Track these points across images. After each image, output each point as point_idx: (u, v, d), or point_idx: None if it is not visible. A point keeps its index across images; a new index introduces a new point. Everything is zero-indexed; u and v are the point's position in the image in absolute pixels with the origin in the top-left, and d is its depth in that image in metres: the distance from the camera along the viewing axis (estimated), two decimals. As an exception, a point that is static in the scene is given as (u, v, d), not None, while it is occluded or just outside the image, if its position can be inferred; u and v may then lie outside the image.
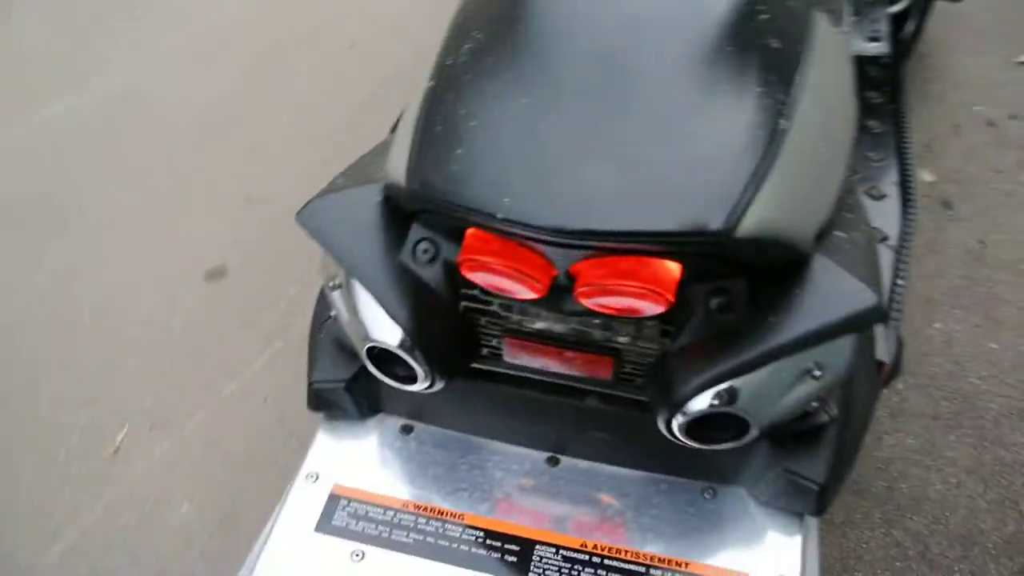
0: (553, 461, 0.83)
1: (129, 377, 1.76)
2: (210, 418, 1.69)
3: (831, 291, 0.65)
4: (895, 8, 1.75)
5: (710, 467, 0.80)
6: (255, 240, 1.98)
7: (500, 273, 0.65)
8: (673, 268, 0.63)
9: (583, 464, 0.82)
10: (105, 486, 1.59)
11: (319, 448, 0.86)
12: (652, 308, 0.64)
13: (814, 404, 0.74)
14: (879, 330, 0.94)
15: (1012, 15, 2.49)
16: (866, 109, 1.49)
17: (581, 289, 0.64)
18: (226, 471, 1.60)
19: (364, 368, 0.79)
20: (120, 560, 1.48)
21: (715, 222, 0.60)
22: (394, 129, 0.89)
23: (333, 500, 0.81)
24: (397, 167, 0.70)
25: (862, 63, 1.54)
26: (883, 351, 0.93)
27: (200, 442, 1.66)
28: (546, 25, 0.72)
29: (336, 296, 0.78)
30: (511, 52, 0.73)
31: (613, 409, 0.79)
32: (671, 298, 0.63)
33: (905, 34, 1.76)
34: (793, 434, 0.76)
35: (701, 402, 0.67)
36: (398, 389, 0.77)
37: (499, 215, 0.62)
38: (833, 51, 0.81)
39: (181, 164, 2.19)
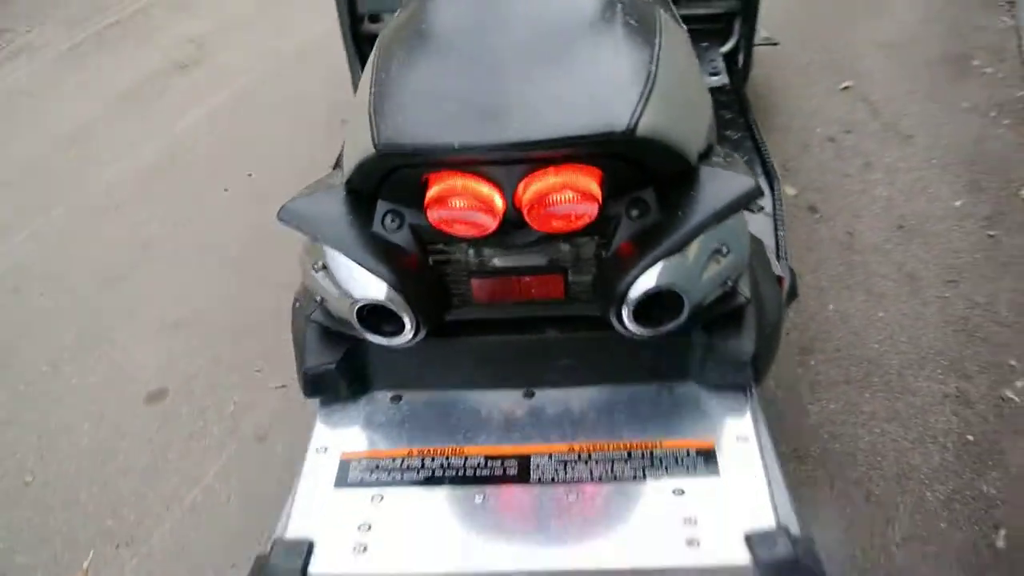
0: (529, 394, 0.93)
1: (84, 506, 1.74)
2: (177, 527, 1.69)
3: (719, 184, 0.81)
4: (725, 48, 2.06)
5: (661, 369, 0.92)
6: (189, 360, 2.03)
7: (462, 203, 0.78)
8: (595, 173, 0.78)
9: (555, 392, 0.93)
10: (77, 617, 1.55)
11: (321, 428, 0.93)
12: (587, 209, 0.78)
13: (729, 282, 0.88)
14: (774, 260, 1.11)
15: (826, 54, 2.89)
16: (722, 123, 1.74)
17: (529, 209, 0.77)
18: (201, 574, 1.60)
19: (351, 348, 0.89)
20: None
21: (619, 124, 0.75)
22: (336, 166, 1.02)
23: (344, 463, 0.88)
24: (360, 150, 0.82)
25: (711, 92, 1.80)
26: (779, 271, 1.09)
27: (169, 552, 1.65)
28: (461, 12, 0.90)
29: (320, 277, 0.88)
30: (434, 38, 0.89)
31: (570, 335, 0.90)
32: (599, 198, 0.77)
33: (739, 67, 2.06)
34: (720, 325, 0.89)
35: (640, 287, 0.80)
36: (383, 362, 0.86)
37: (456, 144, 0.75)
38: (678, 34, 1.01)
39: (104, 303, 2.23)
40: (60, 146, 2.91)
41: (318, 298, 0.92)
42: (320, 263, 0.88)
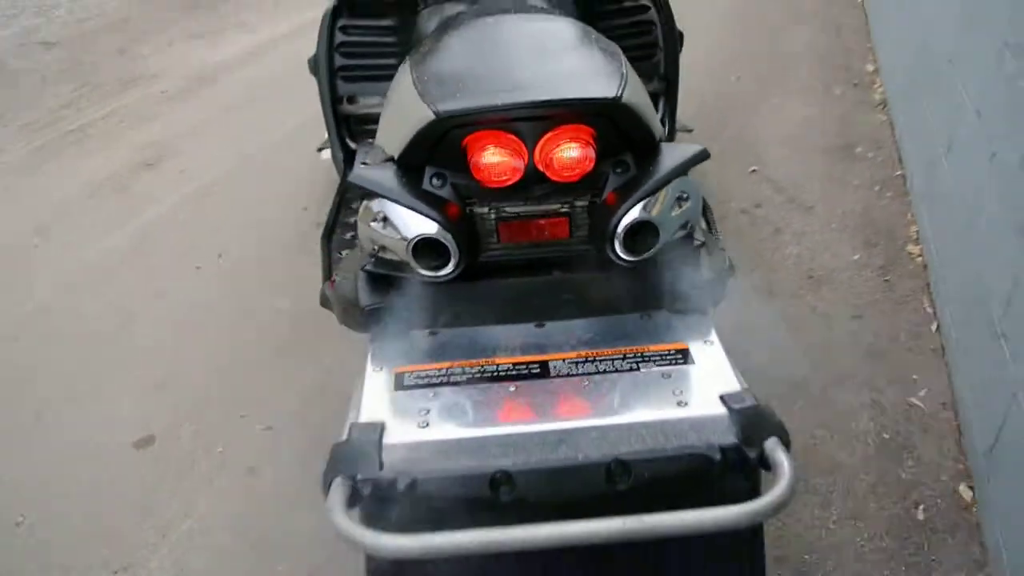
0: (540, 325, 1.15)
1: (79, 539, 1.80)
2: (173, 552, 1.77)
3: (678, 150, 1.09)
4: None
5: (642, 300, 1.15)
6: (174, 412, 2.14)
7: (497, 155, 1.03)
8: (590, 131, 1.04)
9: (561, 322, 1.15)
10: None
11: (375, 352, 1.11)
12: (587, 153, 1.04)
13: (689, 225, 1.13)
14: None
15: (734, 143, 3.32)
16: None
17: (544, 160, 1.03)
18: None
19: (397, 292, 1.10)
20: None
21: (610, 93, 1.03)
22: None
23: (399, 375, 1.06)
24: (413, 125, 1.06)
25: None
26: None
27: (168, 574, 1.72)
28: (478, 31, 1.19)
29: (378, 227, 1.10)
30: (459, 48, 1.17)
31: (572, 276, 1.14)
32: (594, 148, 1.04)
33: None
34: (680, 264, 1.14)
35: (627, 220, 1.05)
36: (422, 304, 1.08)
37: (499, 103, 1.01)
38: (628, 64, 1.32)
39: (88, 366, 2.32)
40: (27, 234, 3.03)
41: (375, 247, 1.13)
42: (380, 215, 1.10)
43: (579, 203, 1.12)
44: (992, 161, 1.97)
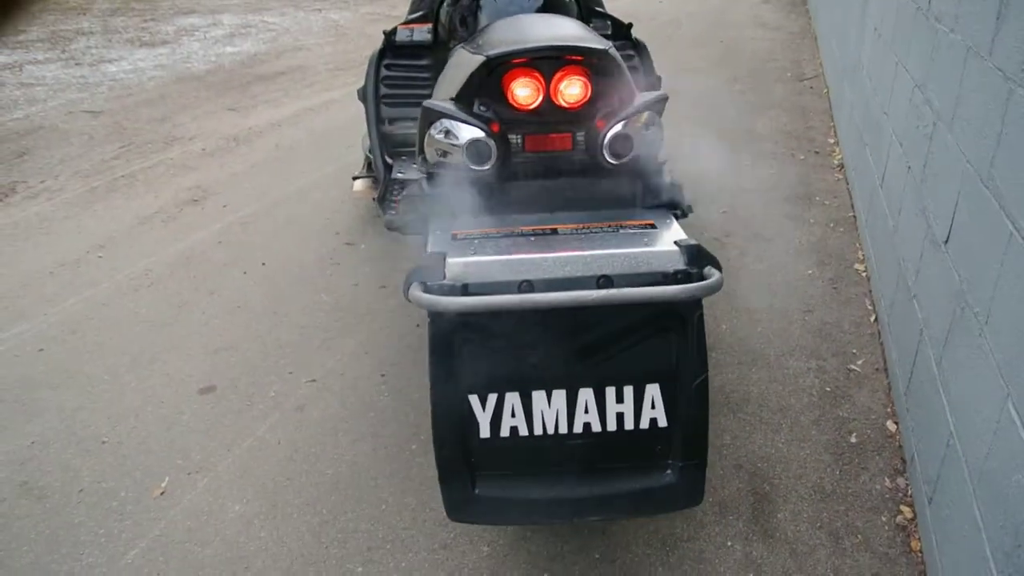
0: (551, 212, 1.59)
1: (156, 453, 2.16)
2: (238, 460, 2.13)
3: (648, 95, 1.57)
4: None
5: (627, 201, 1.60)
6: (231, 370, 2.52)
7: (525, 81, 1.49)
8: (587, 72, 1.52)
9: (565, 213, 1.58)
10: (161, 514, 1.94)
11: (434, 224, 1.55)
12: (585, 87, 1.51)
13: (655, 145, 1.59)
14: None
15: (708, 192, 3.83)
16: None
17: (555, 90, 1.50)
18: (260, 502, 2.03)
19: (460, 192, 1.56)
20: None
21: (602, 46, 1.51)
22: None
23: (454, 235, 1.49)
24: (466, 70, 1.54)
25: None
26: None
27: (235, 475, 2.08)
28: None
29: (442, 137, 1.56)
30: (494, 24, 1.67)
31: (573, 179, 1.58)
32: (590, 85, 1.51)
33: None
34: (650, 176, 1.60)
35: (611, 133, 1.52)
36: (466, 200, 1.54)
37: (526, 47, 1.49)
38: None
39: (152, 341, 2.70)
40: (89, 251, 3.46)
41: (438, 154, 1.59)
42: (444, 129, 1.56)
43: (580, 125, 1.59)
44: (908, 174, 2.48)
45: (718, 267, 1.42)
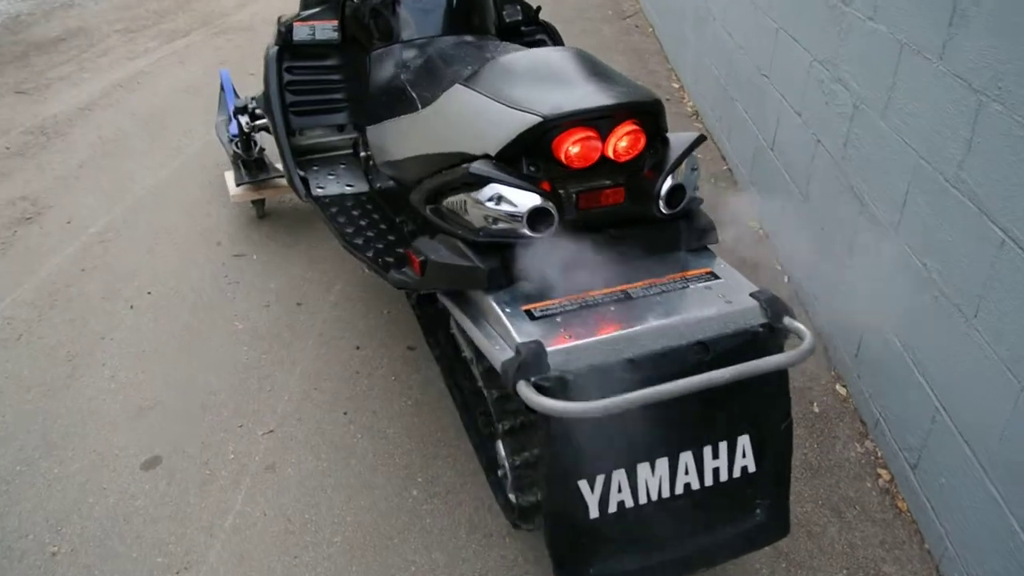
0: (607, 266, 1.54)
1: (126, 556, 1.89)
2: (227, 544, 1.92)
3: (684, 137, 1.54)
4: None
5: (674, 246, 1.58)
6: (169, 432, 2.24)
7: (584, 142, 1.40)
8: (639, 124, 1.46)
9: (622, 263, 1.54)
10: None
11: (499, 301, 1.44)
12: (642, 140, 1.45)
13: (696, 190, 1.57)
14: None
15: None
16: None
17: (614, 146, 1.43)
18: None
19: (504, 256, 1.45)
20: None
21: (654, 97, 1.46)
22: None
23: (528, 311, 1.39)
24: (514, 128, 1.41)
25: None
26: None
27: (230, 563, 1.88)
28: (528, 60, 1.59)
29: (492, 204, 1.43)
30: (514, 69, 1.55)
31: (624, 231, 1.54)
32: (646, 136, 1.46)
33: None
34: (692, 218, 1.58)
35: (666, 185, 1.49)
36: (521, 262, 1.44)
37: (590, 107, 1.39)
38: None
39: (61, 406, 2.33)
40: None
41: (489, 219, 1.46)
42: (495, 196, 1.44)
43: (631, 177, 1.53)
44: (817, 146, 2.63)
45: (791, 313, 1.45)
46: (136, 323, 2.73)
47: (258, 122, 3.24)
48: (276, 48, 2.50)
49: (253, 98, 3.34)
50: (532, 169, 1.47)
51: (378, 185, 2.48)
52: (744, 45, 3.62)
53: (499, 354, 1.38)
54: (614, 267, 1.53)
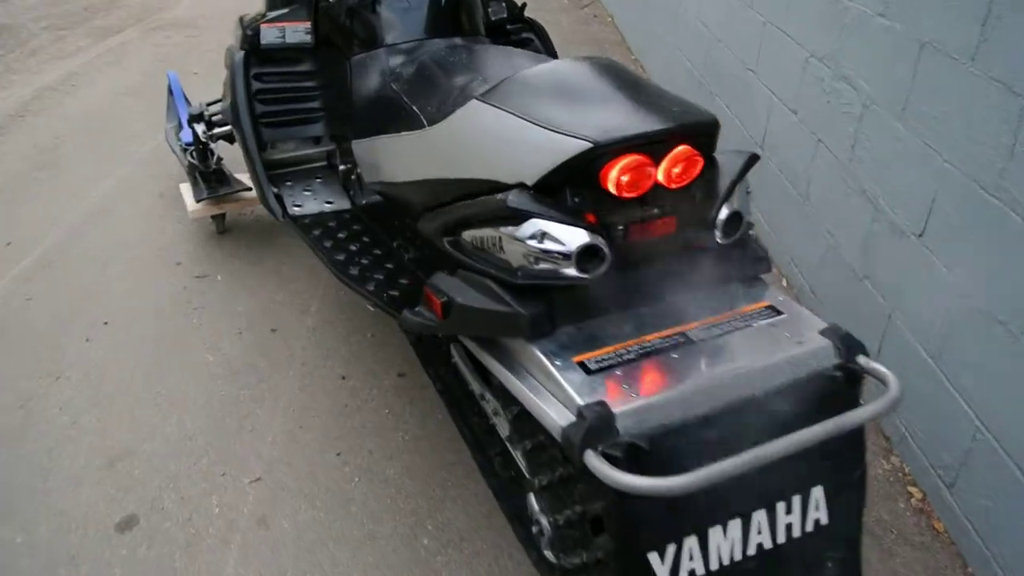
0: (657, 304, 1.37)
1: None
2: None
3: (738, 156, 1.39)
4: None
5: (725, 276, 1.43)
6: (143, 486, 2.02)
7: (637, 169, 1.24)
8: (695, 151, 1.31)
9: (672, 299, 1.38)
10: None
11: (545, 351, 1.26)
12: (697, 168, 1.30)
13: (749, 216, 1.42)
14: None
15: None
16: None
17: (668, 171, 1.27)
18: None
19: (553, 301, 1.28)
20: None
21: (712, 116, 1.30)
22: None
23: (582, 363, 1.23)
24: (559, 153, 1.24)
25: None
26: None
27: None
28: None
29: (534, 243, 1.26)
30: (536, 75, 1.38)
31: (680, 266, 1.38)
32: (703, 161, 1.30)
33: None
34: (743, 243, 1.43)
35: (724, 211, 1.34)
36: (564, 305, 1.27)
37: (646, 131, 1.23)
38: None
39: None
40: None
41: (530, 258, 1.28)
42: (538, 233, 1.26)
43: (684, 204, 1.37)
44: (818, 146, 2.52)
45: (865, 351, 1.32)
46: (94, 358, 2.48)
47: (216, 131, 2.99)
48: (242, 53, 2.27)
49: (209, 104, 3.09)
50: (576, 200, 1.30)
51: (364, 202, 2.28)
52: (724, 38, 3.50)
53: (554, 416, 1.21)
54: (667, 305, 1.38)
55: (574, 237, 1.26)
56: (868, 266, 2.30)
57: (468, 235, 1.44)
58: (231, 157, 3.19)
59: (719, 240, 1.37)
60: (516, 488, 1.75)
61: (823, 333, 1.33)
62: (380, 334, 2.57)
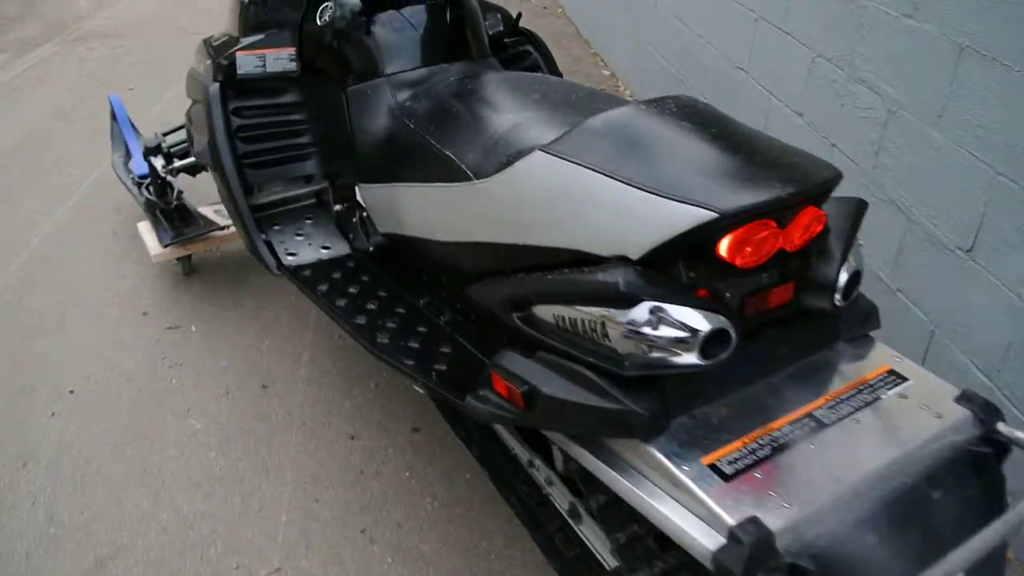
0: (769, 381, 1.22)
1: None
2: None
3: (846, 204, 1.24)
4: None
5: (831, 335, 1.28)
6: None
7: (765, 236, 1.08)
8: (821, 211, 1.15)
9: (784, 374, 1.22)
10: None
11: (668, 454, 1.09)
12: (819, 228, 1.15)
13: (861, 268, 1.28)
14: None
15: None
16: None
17: (791, 235, 1.11)
18: None
19: (663, 390, 1.10)
20: None
21: (837, 171, 1.14)
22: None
23: (712, 465, 1.09)
24: (676, 224, 1.06)
25: None
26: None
27: None
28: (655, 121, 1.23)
29: (649, 329, 1.08)
30: (645, 142, 1.21)
31: (792, 335, 1.23)
32: (826, 220, 1.15)
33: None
34: (853, 301, 1.29)
35: (845, 271, 1.20)
36: (674, 392, 1.11)
37: (781, 194, 1.06)
38: None
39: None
40: None
41: (643, 348, 1.10)
42: (654, 319, 1.08)
43: (800, 268, 1.21)
44: (831, 152, 2.40)
45: (1001, 416, 1.18)
46: (64, 436, 2.20)
47: (176, 164, 2.72)
48: (217, 86, 2.01)
49: (166, 134, 2.82)
50: (691, 275, 1.12)
51: (370, 247, 2.05)
52: (705, 34, 3.36)
53: (697, 537, 1.03)
54: (782, 381, 1.22)
55: (699, 321, 1.08)
56: (900, 278, 2.19)
57: (549, 312, 1.24)
58: (192, 187, 2.92)
59: (838, 302, 1.22)
60: (583, 569, 1.58)
61: (959, 401, 1.19)
62: (384, 384, 2.36)
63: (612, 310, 1.12)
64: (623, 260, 1.13)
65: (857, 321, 1.31)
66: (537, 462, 1.68)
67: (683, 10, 3.58)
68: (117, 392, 2.35)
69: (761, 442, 1.12)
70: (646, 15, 4.05)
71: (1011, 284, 1.82)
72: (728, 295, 1.15)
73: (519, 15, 2.38)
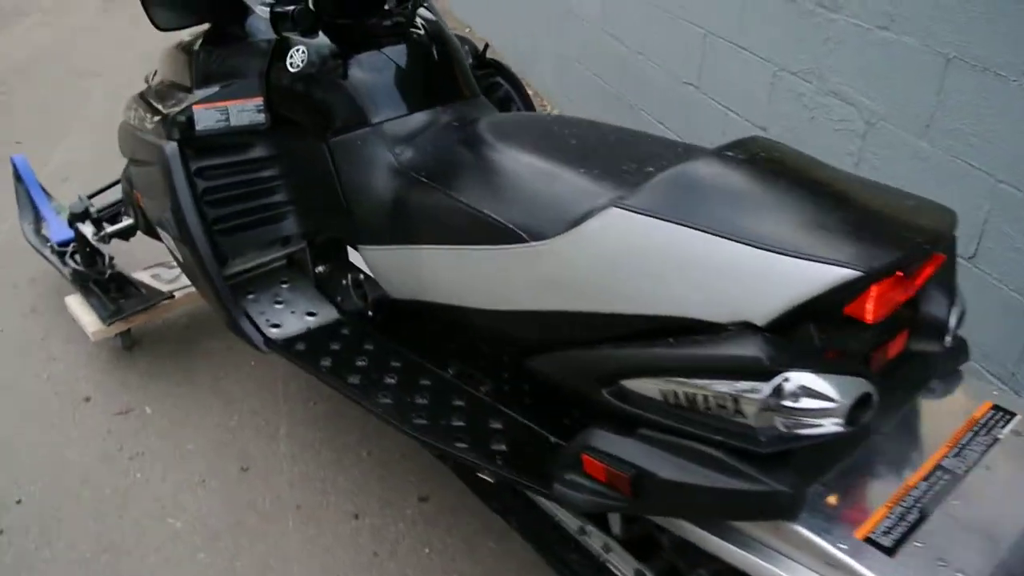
0: (879, 431, 1.15)
1: None
2: None
3: None
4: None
5: (925, 374, 1.22)
6: None
7: (896, 290, 1.01)
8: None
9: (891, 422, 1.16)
10: None
11: (812, 528, 1.00)
12: (935, 271, 1.09)
13: (965, 307, 1.22)
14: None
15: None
16: None
17: (918, 285, 1.05)
18: None
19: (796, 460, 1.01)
20: None
21: (953, 214, 1.09)
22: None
23: (867, 539, 1.00)
24: (811, 285, 0.96)
25: None
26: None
27: None
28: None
29: (791, 402, 0.97)
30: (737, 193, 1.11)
31: (901, 381, 1.15)
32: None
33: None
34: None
35: (955, 312, 1.15)
36: (804, 459, 1.01)
37: (921, 245, 0.99)
38: None
39: None
40: None
41: (781, 421, 0.99)
42: (799, 389, 0.97)
43: (913, 315, 1.14)
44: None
45: None
46: (19, 557, 1.91)
47: (109, 229, 2.45)
48: (174, 145, 1.80)
49: (91, 196, 2.54)
50: (823, 338, 1.02)
51: (369, 312, 1.86)
52: (645, 51, 3.32)
53: None
54: (897, 431, 1.14)
55: (845, 388, 0.98)
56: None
57: (652, 387, 1.12)
58: (122, 250, 2.64)
59: (948, 343, 1.16)
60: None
61: None
62: (377, 451, 2.18)
63: (745, 383, 1.01)
64: (748, 327, 1.03)
65: (952, 356, 1.25)
66: (589, 528, 1.56)
67: (617, 27, 3.53)
68: (74, 496, 2.07)
69: (905, 504, 1.04)
70: (573, 33, 3.99)
71: (1021, 289, 1.84)
72: (855, 352, 1.07)
73: (486, 46, 2.26)
